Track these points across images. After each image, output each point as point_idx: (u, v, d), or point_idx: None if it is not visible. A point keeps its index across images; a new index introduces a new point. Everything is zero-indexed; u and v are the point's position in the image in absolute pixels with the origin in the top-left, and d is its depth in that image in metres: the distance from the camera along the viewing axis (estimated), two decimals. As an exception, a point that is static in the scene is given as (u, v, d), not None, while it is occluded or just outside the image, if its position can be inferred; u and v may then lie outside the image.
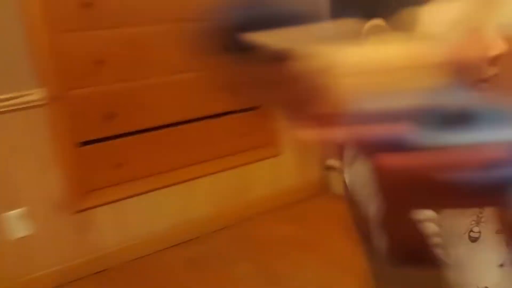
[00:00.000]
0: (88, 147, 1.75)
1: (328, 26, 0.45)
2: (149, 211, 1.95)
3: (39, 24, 1.58)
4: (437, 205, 0.48)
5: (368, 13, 0.54)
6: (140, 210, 1.93)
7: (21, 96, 1.60)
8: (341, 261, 1.72)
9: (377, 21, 0.53)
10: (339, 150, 0.80)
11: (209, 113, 2.03)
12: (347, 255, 1.77)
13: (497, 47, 0.58)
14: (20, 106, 1.60)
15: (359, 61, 0.35)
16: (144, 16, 1.78)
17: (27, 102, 1.61)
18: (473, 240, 0.61)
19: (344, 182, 0.76)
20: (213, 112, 2.04)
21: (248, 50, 0.41)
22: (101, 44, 1.70)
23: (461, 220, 0.61)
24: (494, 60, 0.59)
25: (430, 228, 0.63)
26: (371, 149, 0.30)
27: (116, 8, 1.71)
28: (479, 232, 0.60)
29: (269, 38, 0.41)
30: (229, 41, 0.43)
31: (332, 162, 2.43)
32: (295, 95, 0.40)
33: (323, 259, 1.82)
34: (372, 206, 0.62)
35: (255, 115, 2.20)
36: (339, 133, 0.31)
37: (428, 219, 0.63)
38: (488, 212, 0.60)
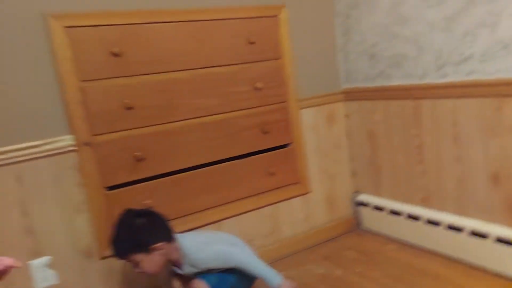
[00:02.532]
0: (116, 191, 1.73)
1: None
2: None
3: (69, 73, 1.60)
4: None
5: None
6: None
7: (51, 142, 1.61)
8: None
9: None
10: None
11: (236, 153, 2.01)
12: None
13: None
14: (50, 153, 1.60)
15: None
16: (170, 63, 1.81)
17: (57, 148, 1.61)
18: None
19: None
20: (239, 153, 2.02)
21: None
22: (130, 90, 1.72)
23: None
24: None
25: None
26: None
27: (144, 57, 1.74)
28: None
29: None
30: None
31: (363, 197, 2.36)
32: None
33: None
34: None
35: (282, 153, 2.16)
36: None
37: None
38: None
